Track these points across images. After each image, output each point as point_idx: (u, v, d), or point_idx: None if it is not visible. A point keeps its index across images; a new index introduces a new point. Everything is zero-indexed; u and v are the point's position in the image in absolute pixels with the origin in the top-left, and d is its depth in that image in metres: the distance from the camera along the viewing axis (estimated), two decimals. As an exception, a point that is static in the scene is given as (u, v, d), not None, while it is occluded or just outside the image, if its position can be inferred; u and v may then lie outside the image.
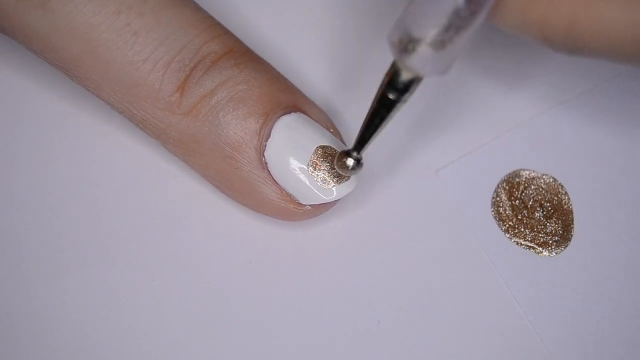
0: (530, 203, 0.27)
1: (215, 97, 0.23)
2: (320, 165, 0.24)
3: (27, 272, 0.26)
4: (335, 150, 0.24)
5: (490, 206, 0.27)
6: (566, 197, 0.27)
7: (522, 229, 0.27)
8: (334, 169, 0.24)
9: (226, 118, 0.23)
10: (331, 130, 0.25)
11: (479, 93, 0.28)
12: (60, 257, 0.26)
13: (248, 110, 0.23)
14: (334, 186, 0.24)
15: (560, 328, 0.26)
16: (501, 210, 0.27)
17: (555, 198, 0.27)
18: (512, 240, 0.27)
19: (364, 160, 0.23)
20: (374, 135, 0.22)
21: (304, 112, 0.24)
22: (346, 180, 0.24)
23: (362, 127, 0.22)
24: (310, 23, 0.29)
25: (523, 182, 0.27)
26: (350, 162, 0.23)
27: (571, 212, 0.27)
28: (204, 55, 0.23)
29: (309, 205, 0.24)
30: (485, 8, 0.19)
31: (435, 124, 0.28)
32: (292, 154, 0.24)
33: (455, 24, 0.19)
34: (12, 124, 0.27)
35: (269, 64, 0.25)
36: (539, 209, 0.27)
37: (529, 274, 0.26)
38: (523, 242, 0.27)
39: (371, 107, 0.22)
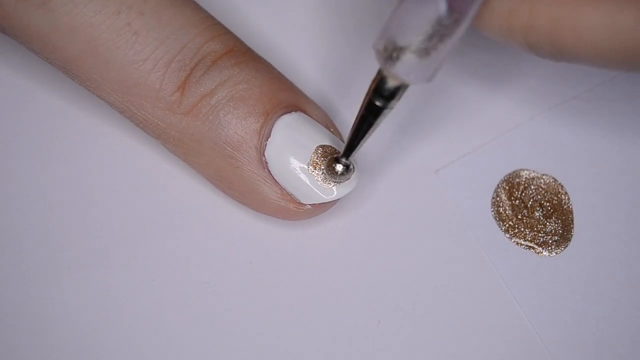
0: (530, 203, 0.27)
1: (216, 97, 0.23)
2: (320, 165, 0.24)
3: (27, 272, 0.26)
4: (335, 150, 0.24)
5: (490, 206, 0.27)
6: (566, 197, 0.27)
7: (522, 229, 0.27)
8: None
9: (226, 117, 0.23)
10: (331, 130, 0.25)
11: (479, 93, 0.28)
12: (60, 257, 0.26)
13: (248, 109, 0.23)
14: (334, 185, 0.24)
15: (560, 328, 0.26)
16: (501, 210, 0.27)
17: (555, 198, 0.27)
18: (512, 240, 0.27)
19: (360, 164, 0.23)
20: (362, 142, 0.23)
21: (305, 112, 0.25)
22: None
23: (350, 134, 0.23)
24: (310, 23, 0.29)
25: (523, 182, 0.27)
26: (339, 167, 0.23)
27: (571, 212, 0.27)
28: (205, 54, 0.23)
29: (309, 204, 0.24)
30: (469, 16, 0.19)
31: (435, 124, 0.28)
32: (293, 153, 0.24)
33: (439, 32, 0.19)
34: (12, 124, 0.27)
35: (269, 63, 0.25)
36: (538, 208, 0.27)
37: (529, 274, 0.26)
38: (523, 242, 0.27)
39: (359, 114, 0.22)
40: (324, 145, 0.24)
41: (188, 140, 0.24)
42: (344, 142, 0.25)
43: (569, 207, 0.27)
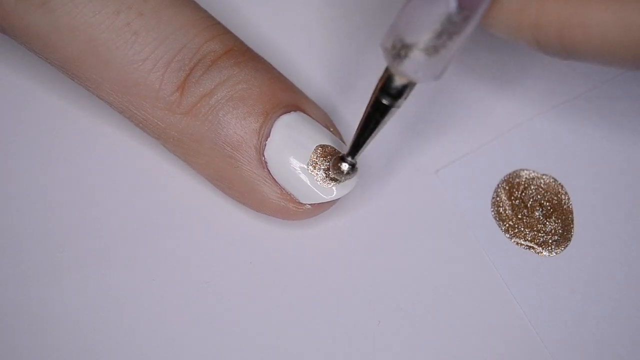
0: (530, 203, 0.27)
1: (215, 97, 0.23)
2: (320, 165, 0.24)
3: (27, 272, 0.26)
4: (335, 149, 0.24)
5: (490, 206, 0.27)
6: (566, 197, 0.27)
7: (522, 229, 0.27)
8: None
9: (226, 117, 0.23)
10: (331, 130, 0.25)
11: (479, 93, 0.28)
12: (60, 257, 0.26)
13: (248, 109, 0.23)
14: (334, 185, 0.24)
15: (560, 328, 0.25)
16: (501, 210, 0.27)
17: (555, 198, 0.27)
18: (512, 240, 0.27)
19: (360, 164, 0.23)
20: (369, 140, 0.22)
21: (304, 111, 0.24)
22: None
23: (356, 133, 0.23)
24: (310, 23, 0.29)
25: (523, 182, 0.27)
26: (345, 167, 0.23)
27: (571, 211, 0.27)
28: (204, 54, 0.23)
29: (309, 204, 0.24)
30: (478, 14, 0.19)
31: (435, 124, 0.28)
32: (292, 153, 0.24)
33: (448, 30, 0.19)
34: (12, 124, 0.27)
35: (269, 63, 0.25)
36: (538, 208, 0.27)
37: (529, 274, 0.26)
38: (523, 242, 0.27)
39: (365, 113, 0.22)
40: (323, 145, 0.24)
41: (188, 140, 0.24)
42: (344, 142, 0.25)
43: (569, 207, 0.27)
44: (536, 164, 0.28)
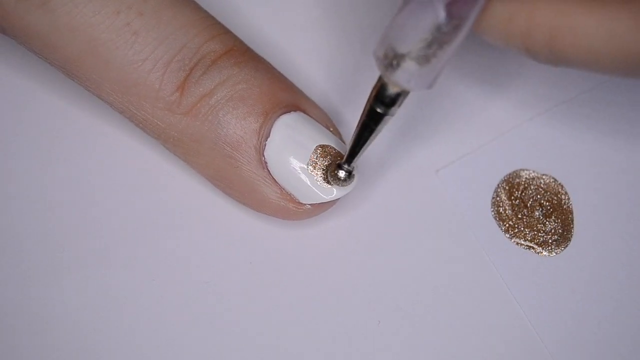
0: (530, 203, 0.27)
1: (215, 97, 0.23)
2: (320, 165, 0.24)
3: (27, 272, 0.26)
4: (335, 149, 0.24)
5: (490, 206, 0.27)
6: (566, 197, 0.27)
7: (522, 228, 0.27)
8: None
9: (226, 117, 0.23)
10: (331, 129, 0.25)
11: (479, 93, 0.28)
12: (60, 257, 0.26)
13: (248, 109, 0.23)
14: (334, 186, 0.24)
15: (560, 328, 0.25)
16: (501, 210, 0.27)
17: (555, 198, 0.27)
18: (512, 240, 0.27)
19: (360, 164, 0.23)
20: (365, 147, 0.23)
21: (304, 111, 0.25)
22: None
23: (351, 140, 0.23)
24: (310, 23, 0.29)
25: (523, 182, 0.27)
26: (342, 174, 0.24)
27: (571, 211, 0.27)
28: (204, 54, 0.23)
29: (309, 204, 0.24)
30: (468, 23, 0.19)
31: (435, 124, 0.28)
32: (292, 153, 0.24)
33: (438, 39, 0.19)
34: (12, 124, 0.27)
35: (269, 63, 0.25)
36: (538, 208, 0.27)
37: (529, 274, 0.26)
38: (523, 242, 0.27)
39: (360, 121, 0.22)
40: (323, 145, 0.24)
41: (187, 140, 0.24)
42: (344, 142, 0.25)
43: (568, 206, 0.27)
44: (536, 164, 0.28)
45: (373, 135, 0.22)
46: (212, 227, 0.26)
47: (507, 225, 0.27)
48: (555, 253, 0.26)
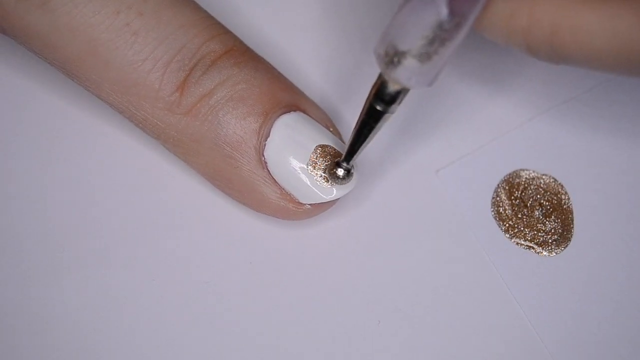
0: (530, 203, 0.27)
1: (215, 97, 0.23)
2: (320, 165, 0.24)
3: (27, 272, 0.26)
4: (335, 149, 0.24)
5: (490, 206, 0.27)
6: (566, 197, 0.27)
7: (522, 228, 0.27)
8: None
9: (226, 117, 0.23)
10: (331, 129, 0.25)
11: (479, 93, 0.28)
12: (60, 257, 0.26)
13: (247, 109, 0.23)
14: (333, 185, 0.24)
15: (560, 328, 0.25)
16: (501, 210, 0.27)
17: (555, 198, 0.27)
18: (512, 240, 0.27)
19: (360, 164, 0.23)
20: (364, 146, 0.23)
21: (304, 111, 0.25)
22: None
23: (351, 138, 0.23)
24: (310, 23, 0.29)
25: (523, 182, 0.27)
26: (340, 172, 0.24)
27: (571, 211, 0.27)
28: (204, 54, 0.23)
29: (309, 204, 0.24)
30: (470, 20, 0.19)
31: (435, 124, 0.28)
32: (292, 153, 0.24)
33: (440, 37, 0.19)
34: (12, 124, 0.27)
35: (268, 63, 0.25)
36: (538, 208, 0.27)
37: (529, 274, 0.26)
38: (523, 242, 0.27)
39: (359, 118, 0.22)
40: (323, 145, 0.24)
41: (187, 140, 0.24)
42: (343, 142, 0.25)
43: (568, 206, 0.27)
44: (536, 164, 0.28)
45: (372, 133, 0.22)
46: (212, 227, 0.26)
47: (507, 225, 0.27)
48: (555, 253, 0.26)
